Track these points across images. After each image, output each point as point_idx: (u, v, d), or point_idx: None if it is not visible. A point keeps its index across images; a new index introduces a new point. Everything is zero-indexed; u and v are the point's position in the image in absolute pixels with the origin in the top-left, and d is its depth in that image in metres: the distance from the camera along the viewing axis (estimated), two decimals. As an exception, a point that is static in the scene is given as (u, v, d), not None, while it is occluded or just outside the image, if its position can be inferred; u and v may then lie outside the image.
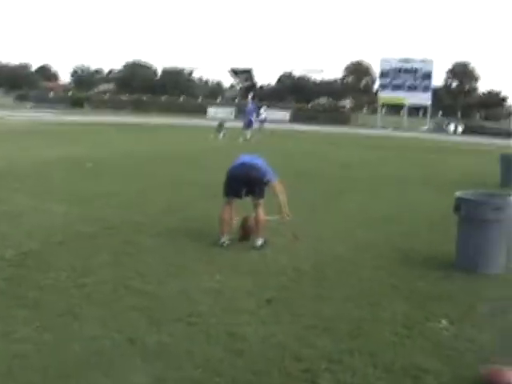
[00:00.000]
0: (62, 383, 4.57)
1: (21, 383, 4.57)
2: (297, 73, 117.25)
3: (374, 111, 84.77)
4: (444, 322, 6.27)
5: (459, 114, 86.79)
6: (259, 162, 9.32)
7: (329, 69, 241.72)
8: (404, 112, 79.31)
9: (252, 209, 9.19)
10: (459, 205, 8.30)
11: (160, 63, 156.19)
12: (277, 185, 9.26)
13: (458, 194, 8.51)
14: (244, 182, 9.09)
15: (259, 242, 9.02)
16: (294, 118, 79.22)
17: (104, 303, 6.35)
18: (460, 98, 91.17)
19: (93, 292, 6.68)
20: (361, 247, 9.43)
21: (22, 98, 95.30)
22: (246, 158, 9.49)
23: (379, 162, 25.90)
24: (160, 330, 5.65)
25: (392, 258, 8.85)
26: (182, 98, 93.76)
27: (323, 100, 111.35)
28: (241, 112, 37.72)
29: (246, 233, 9.32)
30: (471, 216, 8.25)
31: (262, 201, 9.13)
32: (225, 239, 9.03)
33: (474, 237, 8.25)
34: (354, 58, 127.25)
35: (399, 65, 78.92)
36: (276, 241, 9.30)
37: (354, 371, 4.99)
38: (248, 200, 9.25)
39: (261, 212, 9.08)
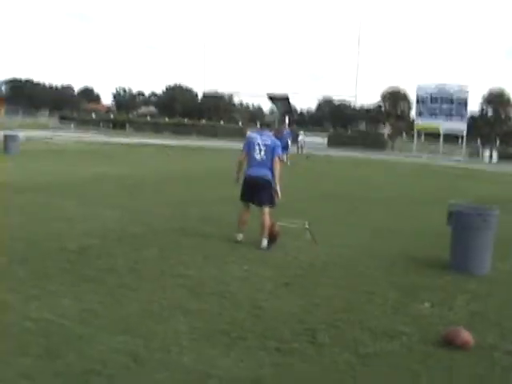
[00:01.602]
0: (123, 331, 6.14)
1: (90, 328, 6.16)
2: (334, 98, 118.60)
3: (412, 137, 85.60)
4: (426, 304, 7.79)
5: (497, 141, 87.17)
6: (269, 155, 10.87)
7: (364, 95, 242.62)
8: (441, 139, 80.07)
9: (274, 216, 10.90)
10: (451, 216, 9.81)
11: (201, 87, 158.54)
12: (277, 160, 10.93)
13: (451, 207, 10.01)
14: (256, 191, 10.86)
15: (265, 243, 10.70)
16: (332, 143, 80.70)
17: (154, 281, 8.02)
18: (496, 125, 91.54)
19: (144, 274, 8.34)
20: (366, 251, 10.99)
21: (65, 119, 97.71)
22: (258, 161, 10.89)
23: (403, 184, 27.51)
24: (198, 299, 7.30)
25: (393, 260, 10.38)
26: (221, 122, 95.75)
27: (362, 126, 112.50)
28: (278, 136, 39.25)
29: (272, 237, 10.89)
30: (462, 225, 9.73)
31: (268, 208, 10.87)
32: (239, 236, 10.89)
33: (463, 242, 9.72)
34: (390, 84, 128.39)
35: (435, 91, 79.93)
36: (297, 243, 10.93)
37: (345, 332, 6.54)
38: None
39: (267, 217, 10.80)
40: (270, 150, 10.82)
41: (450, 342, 6.24)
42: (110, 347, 5.62)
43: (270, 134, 11.24)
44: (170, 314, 6.69)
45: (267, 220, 10.79)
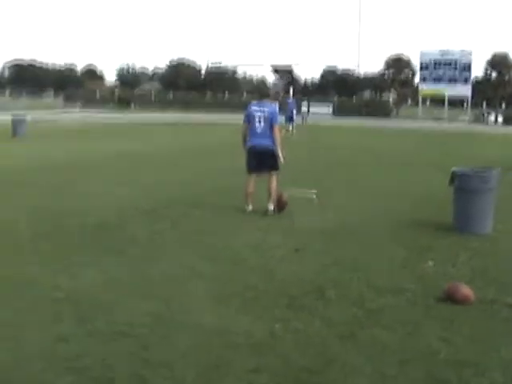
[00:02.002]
0: (146, 296, 6.61)
1: (115, 294, 6.62)
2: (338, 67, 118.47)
3: (417, 103, 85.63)
4: (430, 262, 8.21)
5: (503, 104, 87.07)
6: (269, 123, 11.33)
7: (368, 63, 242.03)
8: (446, 104, 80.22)
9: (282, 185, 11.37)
10: (453, 178, 10.20)
11: (204, 61, 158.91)
12: (277, 128, 11.45)
13: (453, 169, 10.39)
14: (261, 160, 11.34)
15: (271, 207, 11.22)
16: (337, 112, 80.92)
17: (172, 249, 8.55)
18: (500, 88, 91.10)
19: (163, 243, 8.87)
20: (374, 216, 11.47)
21: (70, 99, 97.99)
22: (259, 132, 11.37)
23: (409, 151, 27.92)
24: (213, 266, 7.77)
25: (399, 223, 10.81)
26: (226, 95, 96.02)
27: (367, 94, 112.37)
28: (283, 107, 39.71)
29: (281, 205, 11.33)
30: (463, 187, 10.12)
31: (275, 173, 11.38)
32: (249, 207, 11.35)
33: (464, 204, 10.12)
34: (393, 51, 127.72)
35: (438, 57, 79.93)
36: (306, 211, 11.36)
37: (352, 289, 6.99)
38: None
39: (274, 183, 11.29)
40: (269, 119, 11.28)
41: (451, 297, 6.66)
42: (135, 311, 6.09)
43: (270, 103, 11.73)
44: (188, 280, 7.17)
45: (274, 185, 11.28)
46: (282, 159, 11.34)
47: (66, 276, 7.18)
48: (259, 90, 12.57)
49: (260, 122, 11.27)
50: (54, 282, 6.95)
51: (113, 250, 8.41)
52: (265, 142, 11.29)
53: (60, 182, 14.64)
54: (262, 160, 11.33)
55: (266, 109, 11.37)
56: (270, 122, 11.26)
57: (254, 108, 11.48)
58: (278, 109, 11.78)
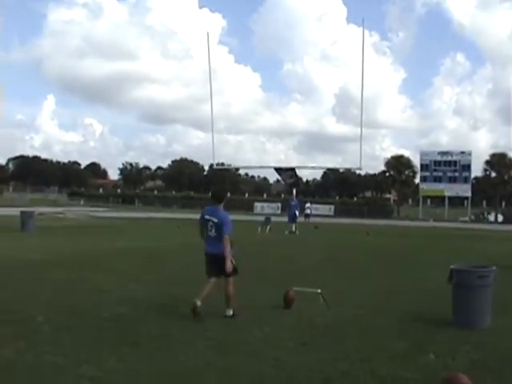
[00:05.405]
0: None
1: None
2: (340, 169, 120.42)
3: (418, 203, 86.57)
4: (431, 355, 8.65)
5: (503, 203, 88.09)
6: (221, 231, 11.15)
7: (369, 163, 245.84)
8: (446, 203, 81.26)
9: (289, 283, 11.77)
10: (452, 275, 10.72)
11: (206, 160, 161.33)
12: (226, 239, 11.08)
13: (451, 266, 10.92)
14: (214, 265, 11.27)
15: (230, 312, 11.21)
16: (339, 212, 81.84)
17: (186, 343, 8.96)
18: (500, 187, 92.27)
19: (176, 338, 9.28)
20: (377, 311, 11.97)
21: (74, 195, 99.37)
22: (211, 238, 11.28)
23: (410, 248, 28.64)
24: (227, 359, 8.22)
25: (402, 318, 11.29)
26: (228, 195, 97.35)
27: (368, 194, 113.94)
28: (286, 207, 40.78)
29: (288, 302, 11.88)
30: (461, 283, 10.64)
31: (230, 279, 11.25)
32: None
33: (463, 299, 10.61)
34: (394, 151, 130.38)
35: (438, 157, 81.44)
36: (312, 308, 11.86)
37: (358, 379, 7.43)
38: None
39: (230, 287, 11.25)
40: (220, 228, 11.16)
41: (450, 386, 7.09)
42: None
43: (220, 209, 11.51)
44: (204, 372, 7.59)
45: (231, 290, 11.24)
46: (228, 267, 11.07)
47: (89, 365, 7.60)
48: (213, 193, 12.22)
49: (211, 229, 11.26)
50: (79, 370, 7.38)
51: (130, 342, 8.84)
52: (217, 249, 11.11)
53: (77, 277, 15.28)
54: (215, 265, 11.24)
55: (216, 219, 11.25)
56: (220, 230, 11.17)
57: (206, 216, 11.42)
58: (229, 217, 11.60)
